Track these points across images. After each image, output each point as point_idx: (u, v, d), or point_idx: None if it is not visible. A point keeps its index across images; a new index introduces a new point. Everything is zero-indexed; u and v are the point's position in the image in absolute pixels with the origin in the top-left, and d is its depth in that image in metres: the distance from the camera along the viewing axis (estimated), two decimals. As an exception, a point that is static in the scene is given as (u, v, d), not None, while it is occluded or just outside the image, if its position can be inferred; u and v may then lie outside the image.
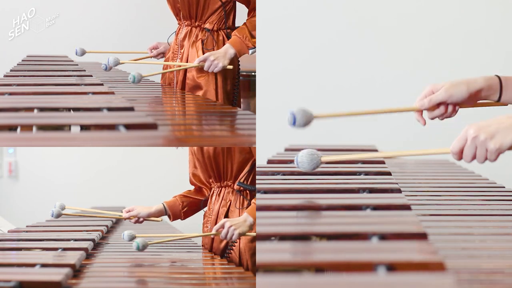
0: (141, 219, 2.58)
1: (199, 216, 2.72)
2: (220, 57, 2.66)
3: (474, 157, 1.70)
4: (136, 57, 3.01)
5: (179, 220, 2.66)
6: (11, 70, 2.84)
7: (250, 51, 2.69)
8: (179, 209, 2.59)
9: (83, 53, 3.00)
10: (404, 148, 3.24)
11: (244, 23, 2.71)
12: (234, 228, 2.23)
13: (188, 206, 2.60)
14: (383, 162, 2.31)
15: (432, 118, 1.98)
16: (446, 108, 1.96)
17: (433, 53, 4.07)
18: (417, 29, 4.06)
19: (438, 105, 1.95)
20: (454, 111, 1.97)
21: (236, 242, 2.33)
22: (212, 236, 2.38)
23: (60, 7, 3.40)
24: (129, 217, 2.57)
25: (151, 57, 2.99)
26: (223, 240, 2.34)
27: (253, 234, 2.32)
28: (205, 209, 2.56)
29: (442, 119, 1.99)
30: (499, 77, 1.95)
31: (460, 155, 1.71)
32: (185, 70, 2.76)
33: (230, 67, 2.69)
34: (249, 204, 2.35)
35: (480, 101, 1.98)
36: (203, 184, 2.55)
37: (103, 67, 2.79)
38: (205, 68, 2.67)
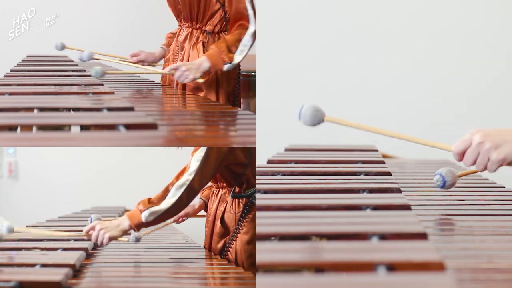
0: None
1: (201, 217, 2.73)
2: (192, 69, 2.57)
3: (474, 163, 1.70)
4: (118, 60, 3.00)
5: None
6: (11, 70, 2.84)
7: (226, 66, 2.58)
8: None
9: (62, 47, 3.04)
10: (403, 148, 3.25)
11: (224, 37, 2.66)
12: (105, 232, 2.17)
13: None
14: (383, 162, 2.31)
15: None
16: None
17: (433, 53, 4.06)
18: (417, 29, 4.06)
19: None
20: None
21: (232, 244, 2.31)
22: (84, 236, 2.30)
23: (60, 7, 3.39)
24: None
25: (131, 62, 2.93)
26: (221, 240, 2.34)
27: (124, 239, 2.28)
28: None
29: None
30: None
31: (461, 157, 1.71)
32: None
33: (201, 80, 2.62)
34: (244, 209, 2.32)
35: None
36: None
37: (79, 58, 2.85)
38: (175, 77, 2.60)
